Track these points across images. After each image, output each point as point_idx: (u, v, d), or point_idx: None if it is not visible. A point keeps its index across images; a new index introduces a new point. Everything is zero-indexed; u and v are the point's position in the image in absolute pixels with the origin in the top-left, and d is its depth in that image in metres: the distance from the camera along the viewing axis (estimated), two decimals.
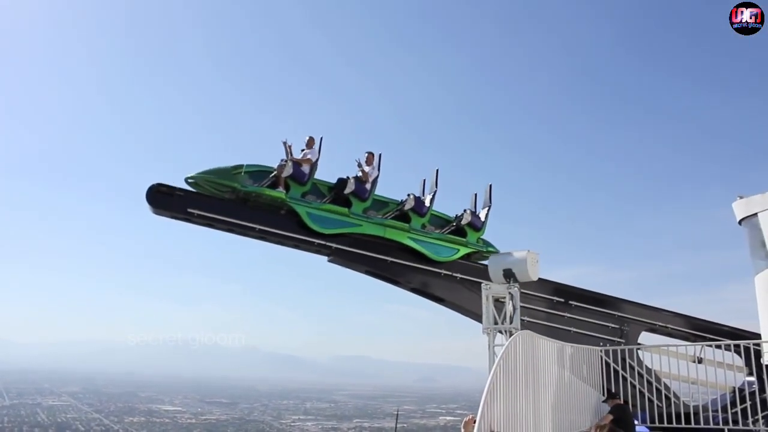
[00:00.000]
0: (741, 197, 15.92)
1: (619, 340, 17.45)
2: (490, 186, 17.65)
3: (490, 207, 17.35)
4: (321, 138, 15.39)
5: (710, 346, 16.17)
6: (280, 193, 14.75)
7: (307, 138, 15.42)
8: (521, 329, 11.78)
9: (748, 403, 15.50)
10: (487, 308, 12.72)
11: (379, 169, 15.93)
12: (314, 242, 15.78)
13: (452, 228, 17.01)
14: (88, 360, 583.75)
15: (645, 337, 18.71)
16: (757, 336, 15.10)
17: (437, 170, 16.93)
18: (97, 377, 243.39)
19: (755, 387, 15.63)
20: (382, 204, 16.19)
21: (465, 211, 16.97)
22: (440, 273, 16.61)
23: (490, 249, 17.05)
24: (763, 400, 14.63)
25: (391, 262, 16.33)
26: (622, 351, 15.48)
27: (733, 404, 15.98)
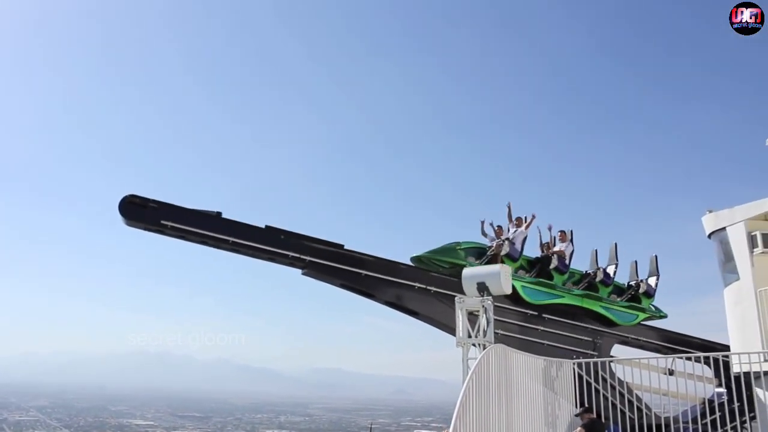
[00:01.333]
0: (710, 211, 16.13)
1: (592, 352, 17.62)
2: (615, 244, 19.90)
3: (658, 276, 19.81)
4: (571, 230, 18.53)
5: (681, 358, 16.35)
6: None
7: (559, 232, 18.54)
8: (495, 342, 11.82)
9: (718, 414, 15.68)
10: (461, 321, 12.75)
11: (573, 244, 18.47)
12: (288, 255, 15.99)
13: (630, 295, 19.20)
14: (58, 373, 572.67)
15: (617, 350, 18.92)
16: (727, 348, 15.27)
17: (615, 244, 19.71)
18: (67, 390, 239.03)
19: (725, 398, 15.84)
20: (571, 274, 18.64)
21: (642, 281, 19.40)
22: (414, 286, 16.72)
23: (662, 314, 19.56)
24: (731, 411, 14.79)
25: (365, 275, 16.45)
26: (595, 364, 15.58)
27: (703, 415, 16.20)
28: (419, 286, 16.78)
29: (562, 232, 18.57)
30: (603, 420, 14.48)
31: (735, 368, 13.87)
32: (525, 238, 17.94)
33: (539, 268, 18.04)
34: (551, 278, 17.88)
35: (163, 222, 15.56)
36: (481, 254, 17.37)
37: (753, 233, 14.63)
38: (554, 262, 17.94)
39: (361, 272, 16.51)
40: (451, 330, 13.83)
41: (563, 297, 17.93)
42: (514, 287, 16.02)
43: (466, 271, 13.15)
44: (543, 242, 18.46)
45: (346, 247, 16.91)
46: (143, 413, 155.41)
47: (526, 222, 17.99)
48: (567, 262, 18.26)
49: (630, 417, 15.56)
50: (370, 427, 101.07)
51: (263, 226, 16.57)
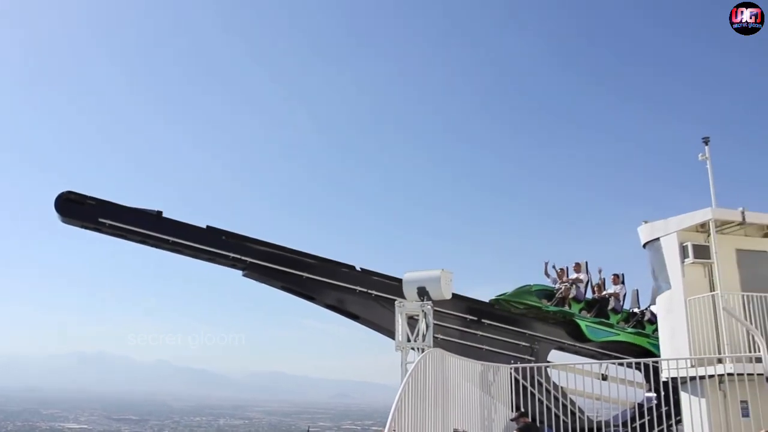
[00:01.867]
0: (646, 222, 16.57)
1: (529, 358, 17.95)
2: (637, 290, 21.16)
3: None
4: (623, 274, 20.29)
5: (614, 363, 16.79)
6: (572, 312, 18.98)
7: (575, 264, 20.08)
8: (434, 347, 11.94)
9: (647, 418, 16.16)
10: (401, 325, 12.84)
11: (625, 287, 20.24)
12: (229, 256, 15.89)
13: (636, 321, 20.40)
14: None
15: (554, 355, 19.32)
16: (658, 354, 15.73)
17: (636, 291, 21.00)
18: None
19: (654, 402, 16.34)
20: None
21: (647, 308, 20.41)
22: (355, 290, 16.75)
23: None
24: (660, 415, 15.28)
25: (307, 278, 16.44)
26: (532, 369, 15.87)
27: (634, 419, 16.68)
28: (360, 290, 16.84)
29: (615, 275, 20.41)
30: (538, 424, 14.75)
31: (664, 374, 14.34)
32: (625, 294, 20.34)
33: (598, 308, 19.67)
34: (608, 317, 19.62)
35: (101, 220, 15.26)
36: (548, 296, 19.12)
37: (684, 244, 15.04)
38: (611, 303, 19.85)
39: (303, 275, 16.50)
40: (392, 334, 13.94)
41: (619, 335, 19.52)
42: (578, 325, 18.84)
43: (407, 276, 13.26)
44: (594, 284, 20.40)
45: (288, 248, 16.88)
46: (77, 416, 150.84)
47: (582, 269, 20.09)
48: (621, 303, 20.22)
49: (564, 421, 15.89)
50: (308, 431, 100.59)
51: (204, 227, 16.42)
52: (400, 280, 15.44)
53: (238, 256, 16.20)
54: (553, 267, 20.02)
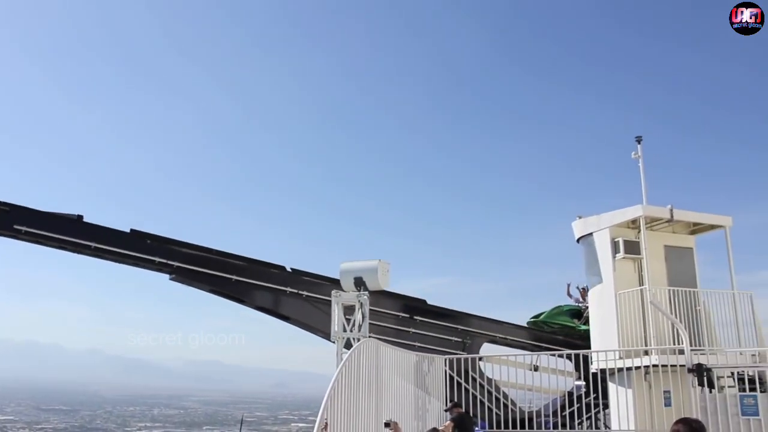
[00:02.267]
0: (580, 217, 17.00)
1: (461, 353, 18.19)
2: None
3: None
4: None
5: (545, 354, 17.21)
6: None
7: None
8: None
9: (576, 405, 16.62)
10: (337, 315, 12.85)
11: None
12: (155, 260, 15.77)
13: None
14: None
15: (486, 348, 19.67)
16: (589, 346, 16.17)
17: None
18: None
19: (583, 390, 16.84)
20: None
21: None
22: (286, 291, 16.76)
23: None
24: (588, 404, 15.75)
25: (236, 280, 16.36)
26: (465, 361, 16.09)
27: (563, 408, 17.14)
28: (291, 291, 16.85)
29: None
30: (471, 415, 14.98)
31: (594, 366, 14.78)
32: None
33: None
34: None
35: (16, 227, 14.88)
36: (577, 315, 19.92)
37: (616, 239, 15.54)
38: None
39: (232, 277, 16.47)
40: (325, 334, 14.04)
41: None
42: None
43: (344, 266, 13.28)
44: None
45: (216, 250, 16.79)
46: (2, 407, 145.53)
47: None
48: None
49: (496, 412, 16.17)
50: (242, 420, 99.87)
51: (128, 230, 16.19)
52: (332, 280, 15.49)
53: (164, 261, 16.06)
54: (577, 287, 20.81)
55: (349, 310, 13.23)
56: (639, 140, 16.30)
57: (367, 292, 12.99)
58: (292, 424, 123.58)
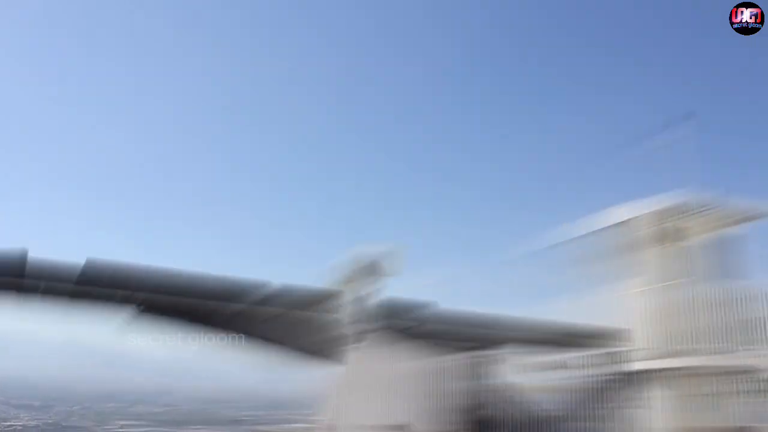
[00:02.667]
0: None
1: (478, 351, 17.46)
2: None
3: None
4: None
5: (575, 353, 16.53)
6: None
7: None
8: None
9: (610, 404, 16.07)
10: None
11: None
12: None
13: None
14: None
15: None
16: None
17: None
18: None
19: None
20: None
21: None
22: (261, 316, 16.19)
23: None
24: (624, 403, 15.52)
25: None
26: (483, 360, 15.53)
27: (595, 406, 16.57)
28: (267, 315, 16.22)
29: None
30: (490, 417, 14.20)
31: (634, 365, 14.34)
32: None
33: None
34: None
35: None
36: None
37: (658, 228, 15.23)
38: None
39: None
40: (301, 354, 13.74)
41: None
42: None
43: (357, 251, 12.31)
44: None
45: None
46: None
47: None
48: None
49: (515, 415, 15.28)
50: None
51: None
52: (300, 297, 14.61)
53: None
54: None
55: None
56: (688, 118, 15.95)
57: (379, 279, 12.01)
58: (292, 424, 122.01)
